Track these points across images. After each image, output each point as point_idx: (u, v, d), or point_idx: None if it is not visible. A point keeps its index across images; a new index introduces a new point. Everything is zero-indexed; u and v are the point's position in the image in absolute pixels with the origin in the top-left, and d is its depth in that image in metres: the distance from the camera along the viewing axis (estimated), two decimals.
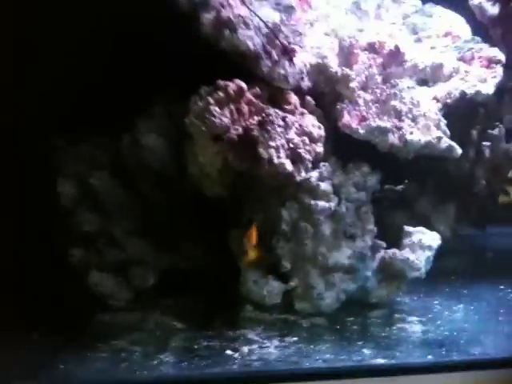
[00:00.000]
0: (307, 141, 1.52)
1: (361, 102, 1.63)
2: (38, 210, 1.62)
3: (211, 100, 1.47)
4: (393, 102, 1.62)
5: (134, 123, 1.60)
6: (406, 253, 1.55)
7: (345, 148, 1.61)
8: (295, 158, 1.50)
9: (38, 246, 1.64)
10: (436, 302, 1.62)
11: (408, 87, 1.72)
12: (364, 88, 1.66)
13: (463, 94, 1.70)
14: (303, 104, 1.60)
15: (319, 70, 1.62)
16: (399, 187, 2.01)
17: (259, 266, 1.53)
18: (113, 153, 1.62)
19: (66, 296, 1.62)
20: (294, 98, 1.59)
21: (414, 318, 1.51)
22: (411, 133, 1.59)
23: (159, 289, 1.65)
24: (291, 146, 1.50)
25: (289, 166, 1.47)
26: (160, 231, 1.63)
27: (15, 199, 1.60)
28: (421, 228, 1.59)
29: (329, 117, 1.63)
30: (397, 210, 1.90)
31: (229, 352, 1.34)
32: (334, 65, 1.62)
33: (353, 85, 1.62)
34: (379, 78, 1.69)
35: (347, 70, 1.60)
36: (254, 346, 1.37)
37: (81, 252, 1.61)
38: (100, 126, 1.58)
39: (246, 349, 1.35)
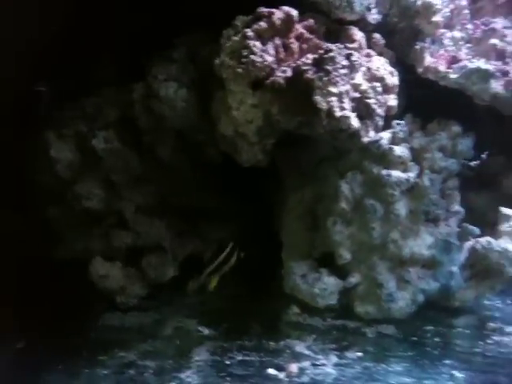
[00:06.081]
0: (379, 88, 1.17)
1: (447, 41, 1.39)
2: (28, 182, 1.44)
3: (250, 33, 1.21)
4: (492, 41, 1.34)
5: (149, 69, 1.38)
6: (505, 242, 1.30)
7: (424, 102, 1.35)
8: (363, 110, 1.24)
9: (29, 227, 1.45)
10: None
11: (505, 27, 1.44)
12: (449, 25, 1.40)
13: None
14: (369, 43, 1.33)
15: None
16: (474, 162, 1.61)
17: (308, 256, 1.35)
18: (121, 108, 1.41)
19: (60, 292, 1.41)
20: (359, 35, 1.31)
21: None
22: None
23: (180, 283, 1.43)
24: (358, 94, 1.23)
25: (355, 122, 1.21)
26: (181, 209, 1.45)
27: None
28: None
29: (403, 61, 1.37)
30: (478, 189, 1.57)
31: (271, 371, 1.15)
32: None
33: (437, 18, 1.35)
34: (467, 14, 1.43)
35: None
36: (305, 363, 1.17)
37: (82, 235, 1.43)
38: (105, 74, 1.44)
39: (294, 367, 1.15)
